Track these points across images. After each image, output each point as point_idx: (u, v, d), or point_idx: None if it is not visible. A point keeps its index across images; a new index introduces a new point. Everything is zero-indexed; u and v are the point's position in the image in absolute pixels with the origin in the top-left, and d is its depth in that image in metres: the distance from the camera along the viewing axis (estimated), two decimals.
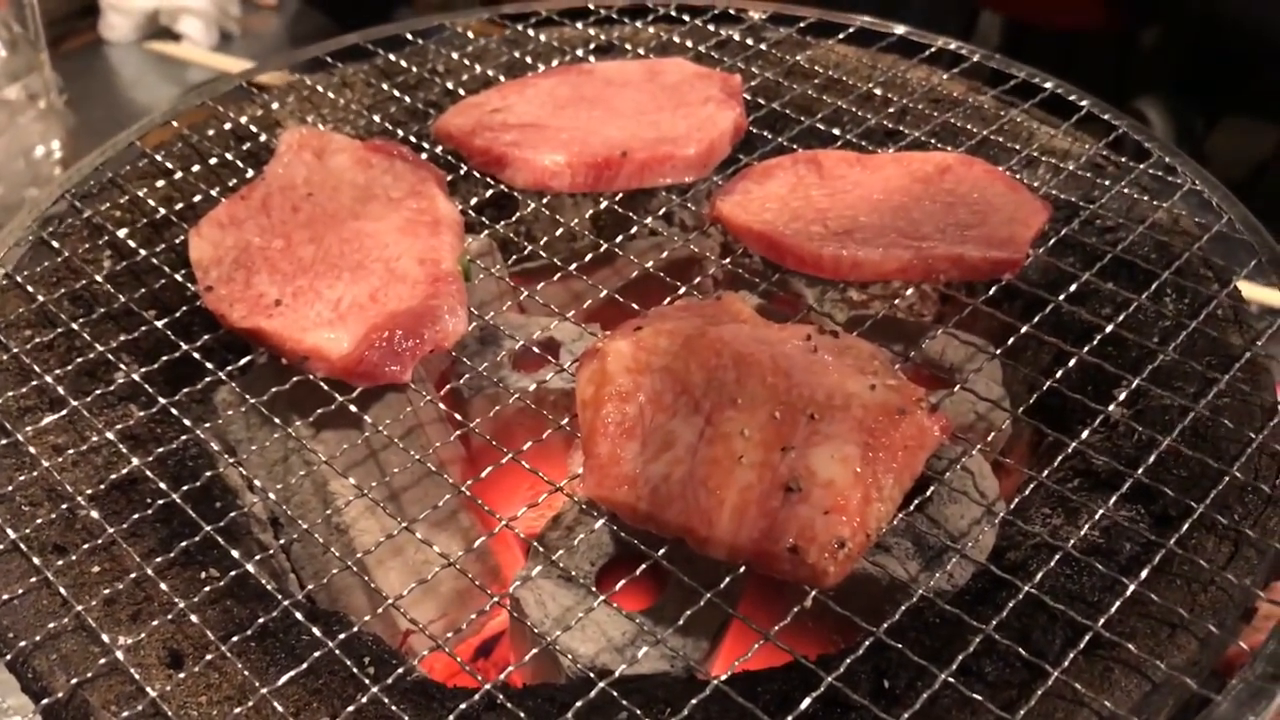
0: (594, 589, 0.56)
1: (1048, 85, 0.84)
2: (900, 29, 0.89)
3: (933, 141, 0.79)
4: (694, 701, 0.49)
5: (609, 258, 0.73)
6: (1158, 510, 0.57)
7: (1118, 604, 0.51)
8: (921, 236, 0.67)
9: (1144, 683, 0.50)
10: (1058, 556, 0.54)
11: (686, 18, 0.93)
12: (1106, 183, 0.75)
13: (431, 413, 0.69)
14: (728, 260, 0.72)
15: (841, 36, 0.90)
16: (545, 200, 0.74)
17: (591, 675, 0.51)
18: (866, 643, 0.50)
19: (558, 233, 0.74)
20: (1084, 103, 0.82)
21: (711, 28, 0.92)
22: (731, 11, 0.94)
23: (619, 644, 0.56)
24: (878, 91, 0.85)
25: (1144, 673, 0.50)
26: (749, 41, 0.91)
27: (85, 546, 0.55)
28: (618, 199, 0.74)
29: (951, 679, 0.49)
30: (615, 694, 0.49)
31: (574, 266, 0.70)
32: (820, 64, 0.88)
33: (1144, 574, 0.53)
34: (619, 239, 0.72)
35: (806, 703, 0.48)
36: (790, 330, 0.62)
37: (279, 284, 0.66)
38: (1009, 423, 0.66)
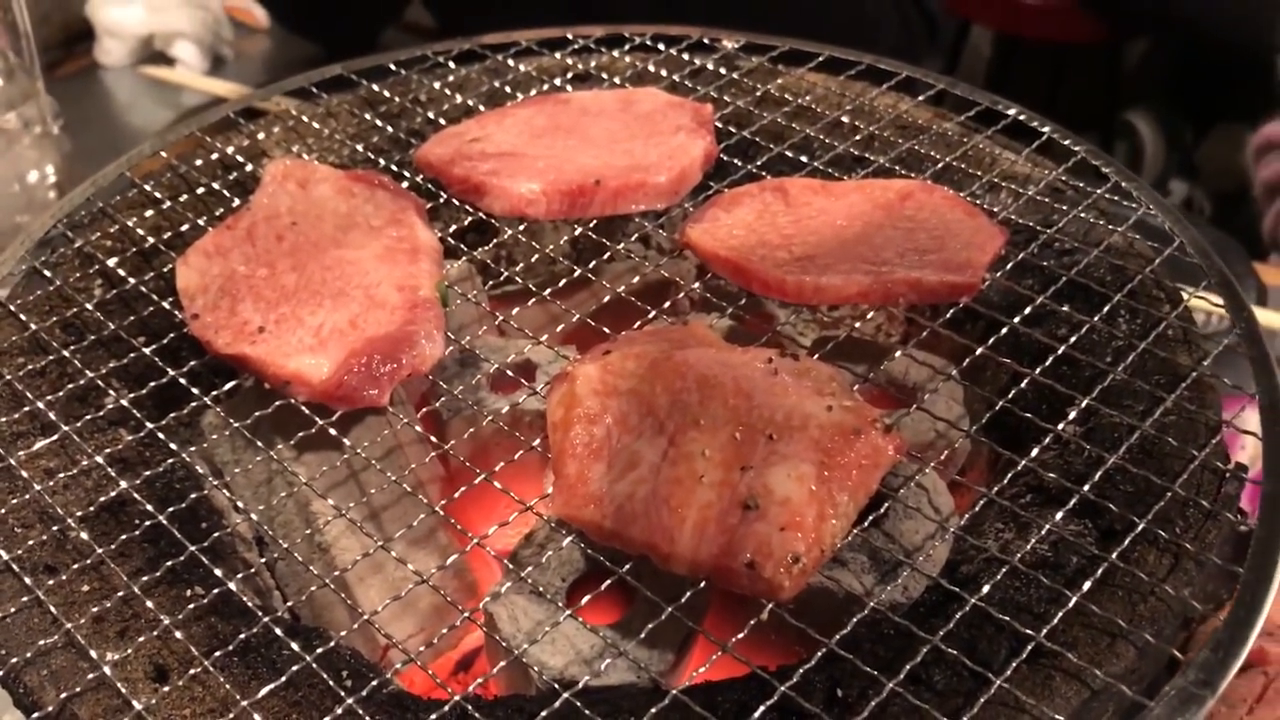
0: (563, 604, 0.58)
1: (1010, 112, 0.86)
2: (868, 58, 0.92)
3: (898, 168, 0.82)
4: (654, 711, 0.51)
5: (585, 282, 0.76)
6: (1104, 525, 0.60)
7: (1060, 615, 0.54)
8: (882, 261, 0.70)
9: (1083, 690, 0.52)
10: (1005, 570, 0.57)
11: (662, 46, 0.96)
12: (1065, 207, 0.78)
13: (410, 434, 0.72)
14: (698, 285, 0.74)
15: (812, 65, 0.93)
16: (523, 227, 0.76)
17: (557, 686, 0.54)
18: (820, 654, 0.52)
19: (535, 259, 0.76)
20: (1045, 129, 0.85)
21: (686, 56, 0.95)
22: (706, 41, 0.96)
23: (587, 656, 0.59)
24: (845, 119, 0.87)
25: (1083, 680, 0.52)
26: (722, 70, 0.93)
27: (75, 566, 0.58)
28: (593, 225, 0.77)
29: (900, 688, 0.51)
30: (580, 704, 0.51)
31: (549, 291, 0.72)
32: (791, 92, 0.91)
33: (1086, 586, 0.55)
34: (594, 264, 0.75)
35: (761, 711, 0.51)
36: (753, 353, 0.64)
37: (262, 311, 0.68)
38: (964, 441, 0.68)
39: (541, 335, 0.70)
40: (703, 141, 0.81)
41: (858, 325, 0.76)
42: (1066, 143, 0.84)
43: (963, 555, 0.62)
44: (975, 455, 0.74)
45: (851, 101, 0.89)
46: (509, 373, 0.70)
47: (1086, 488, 0.59)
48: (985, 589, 0.55)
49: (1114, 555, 0.57)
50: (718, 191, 0.79)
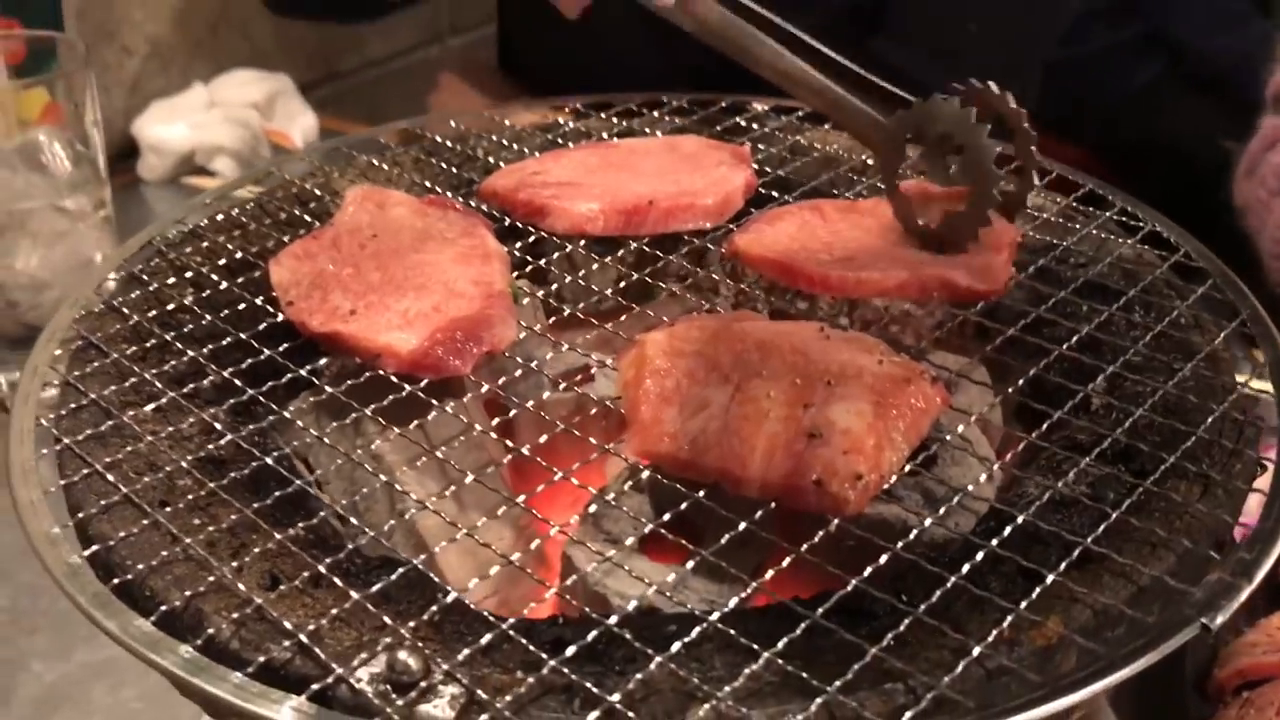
0: (638, 549, 0.63)
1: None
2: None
3: None
4: (730, 609, 0.55)
5: (634, 312, 0.82)
6: (1136, 467, 0.65)
7: (1103, 527, 0.59)
8: (917, 261, 0.77)
9: (1129, 584, 0.56)
10: (1049, 493, 0.62)
11: (697, 109, 1.04)
12: (1078, 226, 0.85)
13: (481, 419, 0.77)
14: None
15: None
16: (579, 273, 0.82)
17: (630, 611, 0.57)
18: (884, 556, 0.57)
19: (583, 303, 0.82)
20: (1054, 168, 0.93)
21: (720, 116, 1.03)
22: (737, 104, 1.05)
23: (661, 589, 0.63)
24: (871, 163, 0.95)
25: (1129, 577, 0.57)
26: (754, 126, 1.02)
27: (190, 498, 0.62)
28: (635, 276, 0.83)
29: (963, 582, 0.55)
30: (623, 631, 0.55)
31: (609, 325, 0.77)
32: (819, 143, 1.00)
33: (1125, 505, 0.60)
34: (643, 299, 0.81)
35: (833, 602, 0.55)
36: (804, 325, 0.70)
37: (352, 299, 0.74)
38: (999, 399, 0.74)
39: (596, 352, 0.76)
40: (744, 173, 0.89)
41: (894, 329, 0.82)
42: (1072, 178, 0.92)
43: (1006, 501, 0.66)
44: (1006, 441, 0.79)
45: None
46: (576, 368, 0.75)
47: (1119, 432, 0.65)
48: (1033, 509, 0.60)
49: (1148, 482, 0.62)
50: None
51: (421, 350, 0.69)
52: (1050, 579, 0.56)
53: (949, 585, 0.55)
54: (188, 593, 0.56)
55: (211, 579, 0.57)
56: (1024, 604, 0.54)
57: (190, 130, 1.90)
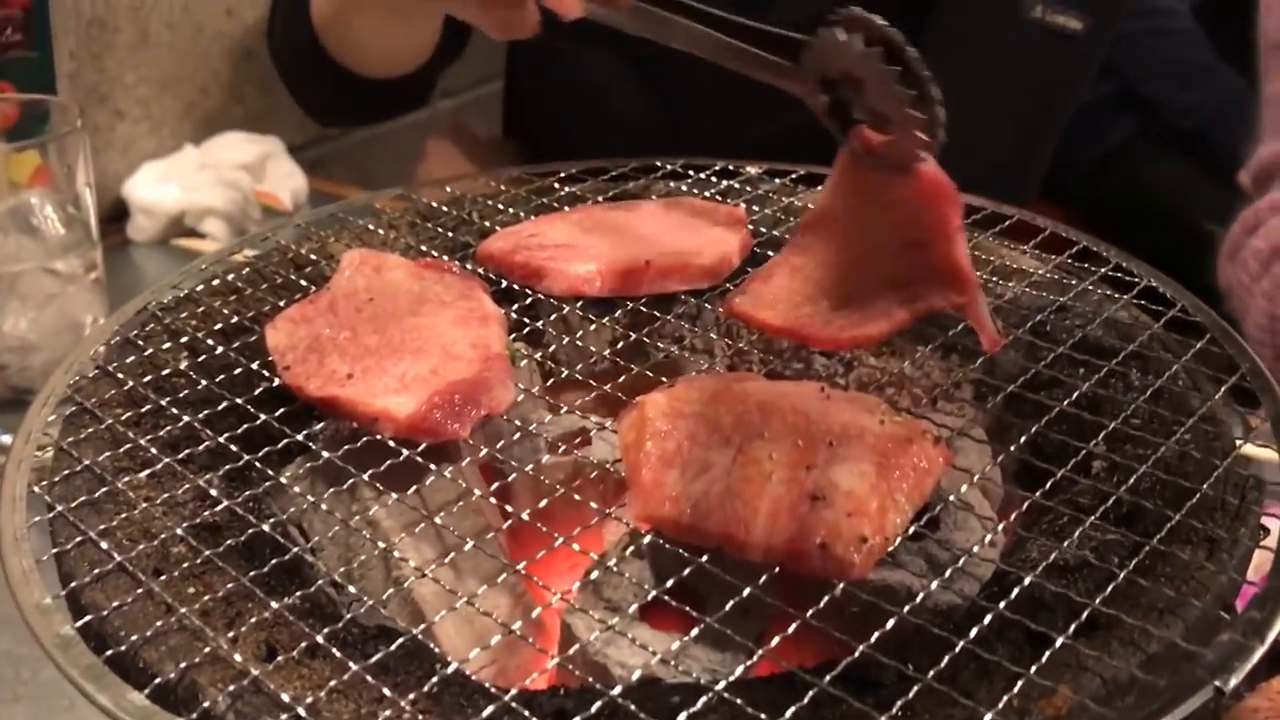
0: (639, 617, 0.62)
1: (1012, 213, 0.95)
2: None
3: None
4: (733, 680, 0.54)
5: (630, 374, 0.81)
6: (1141, 527, 0.64)
7: (1110, 588, 0.58)
8: (904, 287, 0.75)
9: (1139, 651, 0.56)
10: (1054, 556, 0.61)
11: (691, 173, 1.05)
12: (1073, 282, 0.85)
13: (480, 485, 0.76)
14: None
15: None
16: (573, 336, 0.81)
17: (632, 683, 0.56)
18: (891, 621, 0.56)
19: (579, 365, 0.82)
20: (1046, 226, 0.93)
21: (714, 179, 1.04)
22: (730, 168, 1.06)
23: (663, 658, 0.62)
24: None
25: (1138, 643, 0.56)
26: (748, 188, 1.02)
27: (185, 566, 0.61)
28: (632, 336, 0.83)
29: (970, 646, 0.55)
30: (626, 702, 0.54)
31: (609, 386, 0.76)
32: (812, 204, 1.00)
33: (1132, 564, 0.60)
34: (637, 361, 0.81)
35: (841, 668, 0.54)
36: (804, 385, 0.70)
37: (349, 363, 0.74)
38: (1001, 459, 0.73)
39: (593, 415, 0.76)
40: (739, 234, 0.89)
41: (890, 390, 0.82)
42: (1066, 235, 0.92)
43: (1010, 564, 0.66)
44: (1007, 502, 0.79)
45: None
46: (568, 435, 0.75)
47: (1122, 489, 0.65)
48: (1038, 571, 0.60)
49: (1154, 542, 0.61)
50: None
51: (419, 414, 0.69)
52: (1059, 642, 0.55)
53: (956, 650, 0.54)
54: (182, 664, 0.55)
55: (207, 650, 0.56)
56: (1034, 668, 0.54)
57: (181, 192, 1.91)
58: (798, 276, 0.82)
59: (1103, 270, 0.87)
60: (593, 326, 0.83)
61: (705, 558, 0.61)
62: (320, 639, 0.57)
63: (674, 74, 1.48)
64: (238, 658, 0.55)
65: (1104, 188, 1.83)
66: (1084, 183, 1.83)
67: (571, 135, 1.46)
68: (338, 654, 0.57)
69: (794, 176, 1.04)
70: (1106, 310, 0.83)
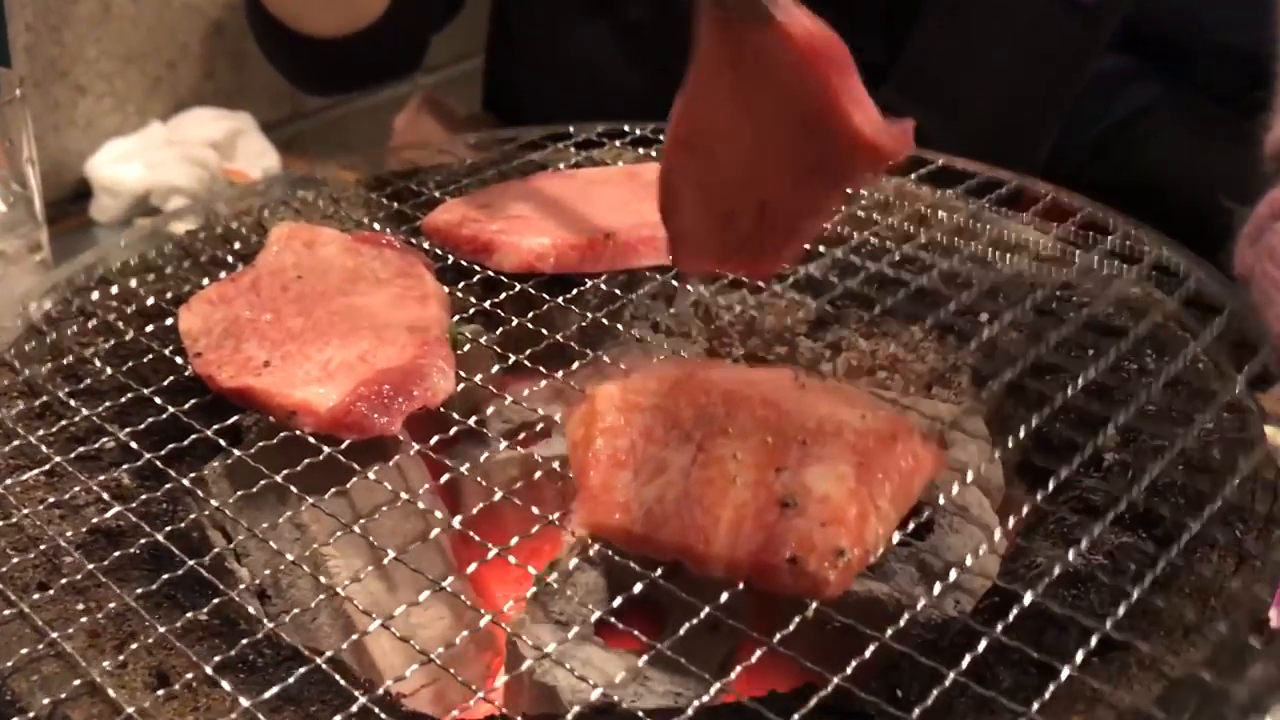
0: (592, 634, 0.55)
1: (1008, 178, 0.87)
2: None
3: (908, 225, 0.82)
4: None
5: (594, 362, 0.74)
6: (1159, 534, 0.57)
7: (1124, 609, 0.51)
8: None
9: (1160, 679, 0.48)
10: (1059, 571, 0.53)
11: (663, 138, 0.97)
12: (1078, 254, 0.77)
13: (419, 480, 0.68)
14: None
15: None
16: (527, 316, 0.73)
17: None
18: (872, 648, 0.49)
19: (532, 349, 0.74)
20: (1048, 192, 0.85)
21: None
22: None
23: (617, 681, 0.54)
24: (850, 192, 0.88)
25: (1159, 670, 0.48)
26: None
27: (65, 582, 0.54)
28: (602, 312, 0.75)
29: (964, 679, 0.47)
30: None
31: (560, 374, 0.69)
32: None
33: (1148, 581, 0.52)
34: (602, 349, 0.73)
35: (814, 702, 0.46)
36: (776, 372, 0.62)
37: (268, 349, 0.66)
38: (1000, 454, 0.66)
39: (553, 408, 0.68)
40: None
41: (881, 374, 0.74)
42: (1068, 201, 0.84)
43: (1012, 573, 0.58)
44: (1007, 503, 0.71)
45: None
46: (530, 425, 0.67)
47: (1135, 493, 0.57)
48: (1042, 587, 0.52)
49: (1173, 553, 0.54)
50: None
51: (342, 407, 0.61)
52: (1066, 673, 0.47)
53: (948, 683, 0.47)
54: (52, 698, 0.48)
55: (81, 681, 0.48)
56: (1036, 705, 0.46)
57: (145, 170, 1.83)
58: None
59: (1110, 241, 0.79)
60: (547, 306, 0.75)
61: (660, 572, 0.53)
62: (209, 669, 0.49)
63: (664, 43, 1.40)
64: (113, 693, 0.48)
65: (1104, 169, 1.73)
66: (1083, 164, 1.73)
67: (556, 109, 1.39)
68: (239, 681, 0.49)
69: None
70: (1116, 286, 0.75)
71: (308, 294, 0.71)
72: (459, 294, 0.74)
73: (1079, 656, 0.48)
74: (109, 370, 0.68)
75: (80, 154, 1.87)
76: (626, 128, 0.98)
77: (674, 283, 0.78)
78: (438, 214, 0.81)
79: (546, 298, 0.75)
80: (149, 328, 0.72)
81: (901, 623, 0.50)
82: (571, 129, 0.97)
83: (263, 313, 0.69)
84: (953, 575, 0.52)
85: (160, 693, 0.48)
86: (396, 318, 0.68)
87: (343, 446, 0.61)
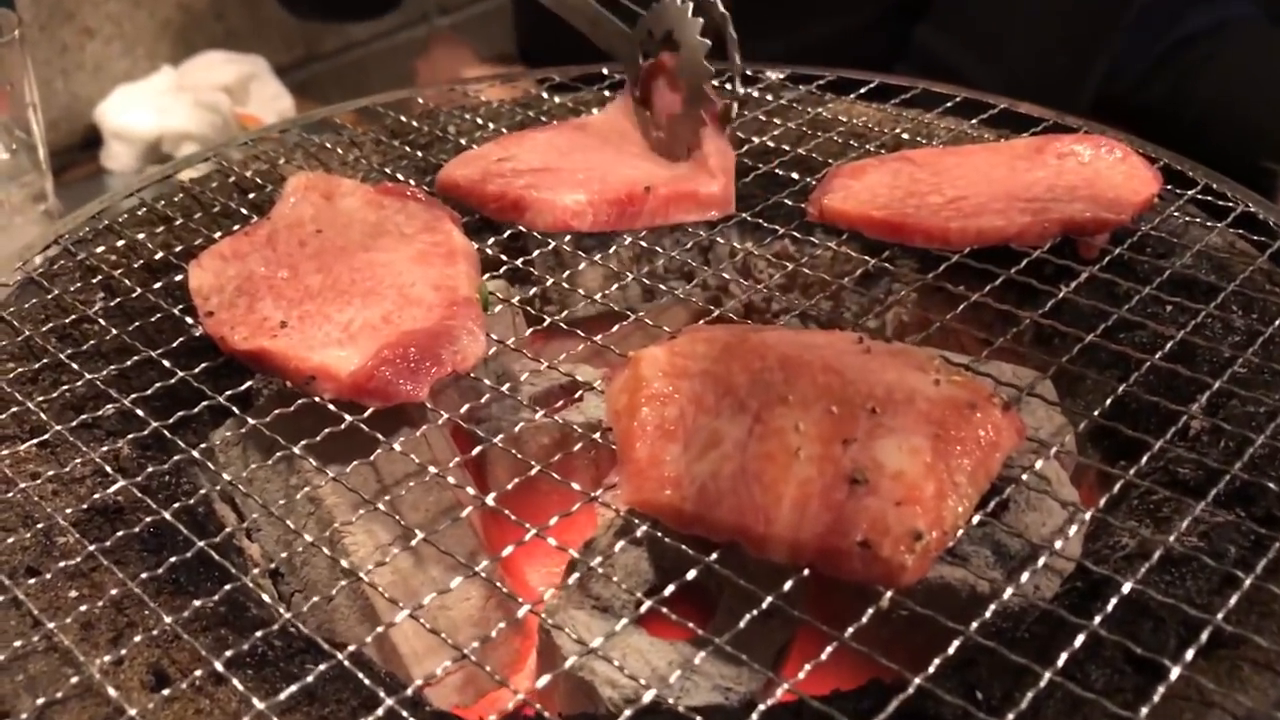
0: (633, 618, 0.50)
1: (1078, 125, 0.81)
2: (923, 83, 0.87)
3: None
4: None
5: (628, 319, 0.69)
6: (1260, 512, 0.52)
7: (1235, 599, 0.45)
8: (1033, 198, 0.68)
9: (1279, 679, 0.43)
10: (1158, 555, 0.48)
11: None
12: (1155, 207, 0.71)
13: (445, 451, 0.63)
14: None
15: (861, 92, 0.88)
16: (563, 274, 0.68)
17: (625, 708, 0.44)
18: (956, 641, 0.44)
19: (569, 310, 0.69)
20: (1121, 140, 0.79)
21: (729, 88, 0.90)
22: (749, 73, 0.92)
23: (664, 673, 0.50)
24: (905, 136, 0.82)
25: (1278, 670, 0.43)
26: (769, 98, 0.88)
27: (61, 566, 0.49)
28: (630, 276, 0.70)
29: (1059, 678, 0.42)
30: None
31: (600, 337, 0.64)
32: (844, 115, 0.86)
33: (1259, 569, 0.47)
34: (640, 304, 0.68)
35: (894, 707, 0.42)
36: (838, 335, 0.57)
37: (284, 309, 0.61)
38: (1084, 425, 0.60)
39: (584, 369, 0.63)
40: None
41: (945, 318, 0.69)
42: (1144, 152, 0.78)
43: (1095, 554, 0.53)
44: (1079, 473, 0.66)
45: (910, 122, 0.84)
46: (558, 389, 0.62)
47: (1236, 468, 0.52)
48: (1142, 573, 0.47)
49: None
50: (774, 202, 0.73)
51: (365, 372, 0.56)
52: (1175, 674, 0.42)
53: (1042, 684, 0.42)
54: (42, 698, 0.43)
55: (77, 679, 0.44)
56: (1145, 710, 0.41)
57: (156, 116, 1.77)
58: (901, 177, 0.71)
59: (1190, 193, 0.73)
60: (584, 264, 0.70)
61: (715, 556, 0.48)
62: (219, 665, 0.44)
63: None
64: (112, 691, 0.43)
65: (1155, 93, 1.63)
66: (1134, 87, 1.63)
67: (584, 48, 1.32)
68: (239, 686, 0.45)
69: (821, 83, 0.90)
70: (1196, 240, 0.69)
71: (327, 249, 0.65)
72: (489, 249, 0.69)
73: (1188, 654, 0.43)
74: (113, 330, 0.63)
75: (90, 100, 1.82)
76: None
77: (717, 240, 0.72)
78: (453, 168, 0.75)
79: (582, 254, 0.70)
80: (156, 284, 0.67)
81: (987, 614, 0.45)
82: (604, 70, 0.91)
83: (279, 269, 0.64)
84: (1042, 560, 0.47)
85: (159, 695, 0.43)
86: (422, 276, 0.63)
87: (365, 415, 0.56)
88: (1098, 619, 0.44)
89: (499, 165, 0.75)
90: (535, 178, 0.73)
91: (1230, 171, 0.76)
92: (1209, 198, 0.73)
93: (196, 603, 0.48)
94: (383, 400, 0.56)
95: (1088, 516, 0.50)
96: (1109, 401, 0.56)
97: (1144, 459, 0.52)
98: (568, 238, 0.71)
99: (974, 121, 0.84)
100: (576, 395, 0.67)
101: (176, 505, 0.53)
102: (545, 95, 0.90)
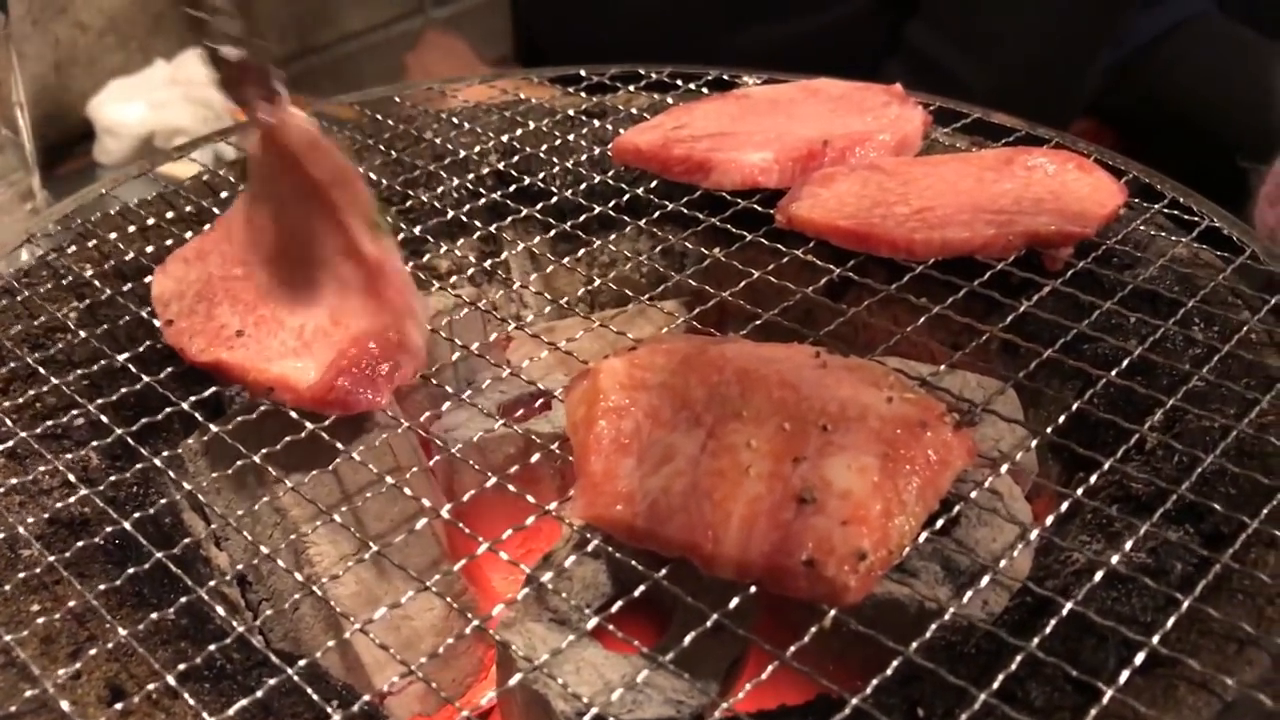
0: (589, 631, 0.50)
1: (1049, 137, 0.82)
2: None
3: None
4: None
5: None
6: (1208, 530, 0.52)
7: (1173, 620, 0.46)
8: (999, 210, 0.69)
9: (1214, 700, 0.44)
10: (1102, 574, 0.49)
11: (679, 82, 0.91)
12: (1122, 220, 0.72)
13: (409, 456, 0.64)
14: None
15: None
16: (534, 278, 0.68)
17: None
18: (895, 664, 0.44)
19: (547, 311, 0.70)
20: (1091, 152, 0.80)
21: (706, 92, 0.90)
22: (726, 78, 0.92)
23: (616, 686, 0.50)
24: None
25: (1212, 690, 0.44)
26: None
27: (21, 577, 0.50)
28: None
29: (994, 699, 0.43)
30: None
31: (564, 343, 0.64)
32: None
33: (1199, 589, 0.47)
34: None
35: None
36: (796, 349, 0.57)
37: (240, 314, 0.61)
38: (1032, 457, 0.61)
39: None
40: (919, 110, 0.81)
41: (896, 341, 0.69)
42: (1114, 164, 0.78)
43: (1045, 570, 0.54)
44: (1039, 486, 0.66)
45: None
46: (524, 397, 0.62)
47: (1184, 487, 0.52)
48: (1081, 594, 0.47)
49: (1226, 556, 0.49)
50: (745, 209, 0.73)
51: (324, 385, 0.56)
52: (1109, 696, 0.43)
53: (977, 705, 0.42)
54: None
55: (32, 693, 0.44)
56: None
57: (149, 111, 1.78)
58: (870, 186, 0.72)
59: (1156, 207, 0.73)
60: (550, 268, 0.70)
61: (665, 571, 0.49)
62: (172, 679, 0.45)
63: None
64: (66, 705, 0.44)
65: (1124, 97, 1.61)
66: (1102, 91, 1.61)
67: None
68: (204, 692, 0.45)
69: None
70: (1161, 253, 0.69)
71: (275, 239, 0.63)
72: (456, 252, 0.69)
73: (1123, 675, 0.44)
74: (82, 334, 0.64)
75: (83, 94, 1.82)
76: (642, 70, 0.92)
77: (686, 243, 0.72)
78: (633, 135, 0.79)
79: (551, 259, 0.70)
80: (126, 286, 0.67)
81: (927, 635, 0.45)
82: (583, 71, 0.92)
83: (233, 266, 0.64)
84: (985, 580, 0.48)
85: (117, 706, 0.44)
86: (341, 245, 0.60)
87: (326, 423, 0.56)
88: (1035, 640, 0.45)
89: (675, 132, 0.79)
90: (715, 141, 0.77)
91: (1209, 174, 0.76)
92: (1176, 211, 0.73)
93: (155, 615, 0.48)
94: (344, 411, 0.57)
95: (1033, 536, 0.51)
96: (1063, 418, 0.57)
97: (1094, 476, 0.53)
98: (537, 239, 0.71)
99: (946, 130, 0.84)
100: (540, 403, 0.68)
101: (140, 515, 0.54)
102: (522, 95, 0.90)
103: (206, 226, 0.72)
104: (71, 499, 0.55)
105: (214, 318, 0.61)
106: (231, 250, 0.65)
